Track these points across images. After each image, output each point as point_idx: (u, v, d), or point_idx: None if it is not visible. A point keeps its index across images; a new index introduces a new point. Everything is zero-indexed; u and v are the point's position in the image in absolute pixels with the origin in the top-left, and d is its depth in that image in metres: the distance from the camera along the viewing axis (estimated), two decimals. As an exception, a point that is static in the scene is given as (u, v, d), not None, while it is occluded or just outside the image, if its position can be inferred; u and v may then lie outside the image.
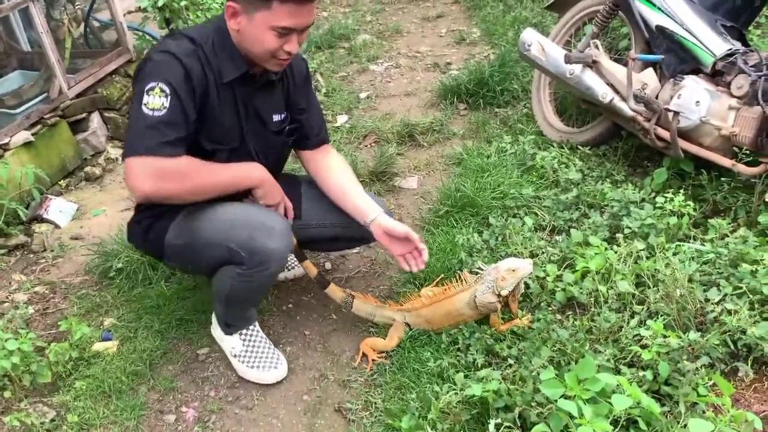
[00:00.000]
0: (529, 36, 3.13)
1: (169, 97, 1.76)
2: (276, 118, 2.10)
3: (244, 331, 2.20)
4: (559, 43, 3.30)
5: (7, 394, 2.08)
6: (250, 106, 2.01)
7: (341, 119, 3.95)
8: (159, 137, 1.75)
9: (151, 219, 2.07)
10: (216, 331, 2.25)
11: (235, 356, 2.19)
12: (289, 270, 2.59)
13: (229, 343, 2.20)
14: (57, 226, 3.16)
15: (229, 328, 2.19)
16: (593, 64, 2.88)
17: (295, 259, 2.42)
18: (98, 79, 3.83)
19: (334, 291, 2.26)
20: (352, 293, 2.27)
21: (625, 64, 2.81)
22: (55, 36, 3.63)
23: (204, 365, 2.24)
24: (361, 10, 5.97)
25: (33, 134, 3.34)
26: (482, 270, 2.14)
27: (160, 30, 4.23)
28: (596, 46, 2.92)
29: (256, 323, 2.25)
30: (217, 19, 1.91)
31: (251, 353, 2.18)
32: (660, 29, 2.65)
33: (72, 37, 3.79)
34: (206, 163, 1.88)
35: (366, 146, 3.61)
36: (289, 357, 2.24)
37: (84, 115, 3.70)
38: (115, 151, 3.81)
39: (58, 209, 3.21)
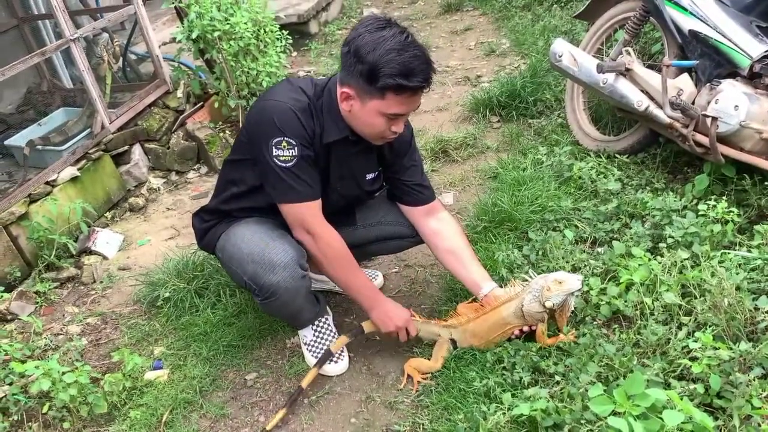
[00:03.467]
0: (560, 46, 3.12)
1: (296, 148, 1.95)
2: (369, 176, 2.22)
3: (317, 323, 2.33)
4: (590, 51, 3.29)
5: (66, 425, 2.15)
6: (345, 167, 2.13)
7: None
8: (299, 185, 1.98)
9: (210, 223, 2.25)
10: None
11: (305, 344, 2.35)
12: None
13: (303, 333, 2.36)
14: (105, 258, 3.26)
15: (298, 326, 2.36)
16: (627, 72, 2.86)
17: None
18: (138, 111, 3.95)
19: (371, 324, 2.25)
20: None
21: (659, 71, 2.78)
22: (96, 73, 3.75)
23: (252, 390, 2.28)
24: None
25: (78, 169, 3.45)
26: (531, 279, 2.12)
27: (195, 60, 4.35)
28: (629, 53, 2.90)
29: (329, 317, 2.39)
30: (330, 83, 2.02)
31: (319, 344, 2.32)
32: (693, 34, 2.62)
33: (112, 73, 3.91)
34: (354, 265, 2.12)
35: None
36: (335, 380, 2.26)
37: (126, 147, 3.82)
38: (156, 181, 3.92)
39: (105, 241, 3.31)
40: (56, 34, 4.28)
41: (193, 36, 3.79)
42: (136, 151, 3.88)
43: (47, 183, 3.29)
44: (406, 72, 1.80)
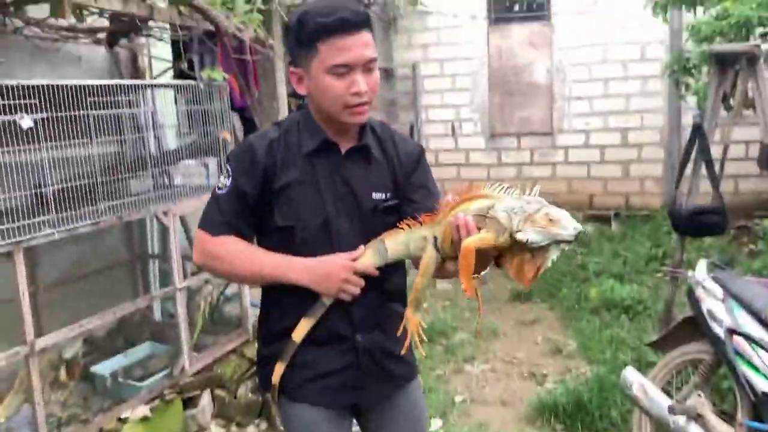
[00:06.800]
0: (631, 376, 3.22)
1: (229, 178, 1.91)
2: (377, 196, 1.96)
3: None
4: (660, 382, 3.35)
5: None
6: (339, 181, 1.93)
7: (435, 424, 4.00)
8: (214, 215, 1.94)
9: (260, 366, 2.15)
10: None
11: None
12: None
13: None
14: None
15: None
16: (698, 418, 2.89)
17: None
18: (216, 357, 4.15)
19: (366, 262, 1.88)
20: (382, 239, 1.90)
21: (732, 418, 2.80)
22: (190, 318, 4.05)
23: None
24: (460, 305, 6.30)
25: (150, 409, 3.57)
26: (529, 194, 1.64)
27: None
28: (700, 397, 2.95)
29: None
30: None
31: None
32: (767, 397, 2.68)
33: (204, 320, 4.21)
34: (250, 249, 1.94)
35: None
36: None
37: (197, 392, 3.96)
38: (217, 430, 3.97)
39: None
40: (161, 272, 4.69)
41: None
42: (205, 397, 3.99)
43: (119, 419, 3.41)
44: (325, 13, 1.75)
